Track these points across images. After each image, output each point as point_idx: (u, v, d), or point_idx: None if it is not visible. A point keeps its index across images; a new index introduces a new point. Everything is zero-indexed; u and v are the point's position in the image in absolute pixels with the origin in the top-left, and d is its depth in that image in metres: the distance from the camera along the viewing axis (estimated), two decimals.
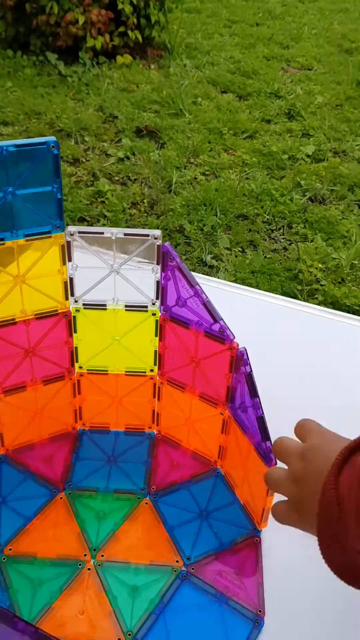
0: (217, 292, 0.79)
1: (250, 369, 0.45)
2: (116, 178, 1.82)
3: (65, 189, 1.69)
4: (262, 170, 1.94)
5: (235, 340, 0.46)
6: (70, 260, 0.46)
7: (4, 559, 0.46)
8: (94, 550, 0.47)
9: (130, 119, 2.20)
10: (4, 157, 0.39)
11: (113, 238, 0.44)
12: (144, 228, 1.53)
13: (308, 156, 2.05)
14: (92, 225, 1.57)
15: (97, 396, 0.56)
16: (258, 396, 0.44)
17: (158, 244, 0.45)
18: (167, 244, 0.45)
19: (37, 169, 0.41)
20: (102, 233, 0.44)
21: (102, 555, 0.47)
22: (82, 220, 1.62)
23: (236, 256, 1.48)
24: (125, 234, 0.44)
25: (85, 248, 0.45)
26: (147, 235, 0.44)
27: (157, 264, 0.46)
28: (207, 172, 1.89)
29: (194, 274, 0.82)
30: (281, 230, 1.63)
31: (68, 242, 0.45)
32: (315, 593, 0.45)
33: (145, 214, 1.63)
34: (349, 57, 3.11)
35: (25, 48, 2.90)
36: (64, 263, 0.46)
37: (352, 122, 2.35)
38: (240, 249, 1.55)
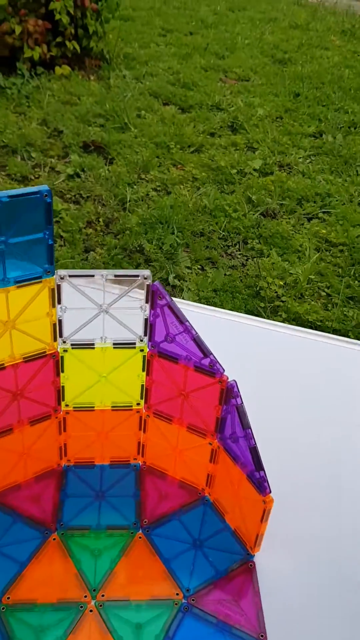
0: (185, 314, 0.81)
1: (241, 401, 0.46)
2: (68, 196, 1.81)
3: None
4: (212, 185, 1.97)
5: (225, 373, 0.47)
6: (59, 302, 0.46)
7: (3, 608, 0.46)
8: (94, 590, 0.47)
9: (76, 134, 2.19)
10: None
11: (103, 280, 0.45)
12: (102, 247, 1.53)
13: (255, 170, 2.10)
14: None
15: (83, 432, 0.56)
16: (250, 427, 0.46)
17: (148, 283, 0.45)
18: (156, 283, 0.45)
19: (29, 217, 0.41)
20: (93, 276, 0.45)
21: (103, 595, 0.47)
22: None
23: (197, 274, 1.51)
24: (116, 276, 0.45)
25: (74, 289, 0.46)
26: (137, 276, 0.45)
27: (147, 302, 0.47)
28: (158, 188, 1.91)
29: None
30: (237, 246, 1.67)
31: (58, 286, 0.45)
32: (313, 609, 0.47)
33: (102, 233, 1.63)
34: (282, 68, 3.21)
35: None
36: (54, 305, 0.46)
37: (293, 135, 2.42)
38: (200, 267, 1.58)
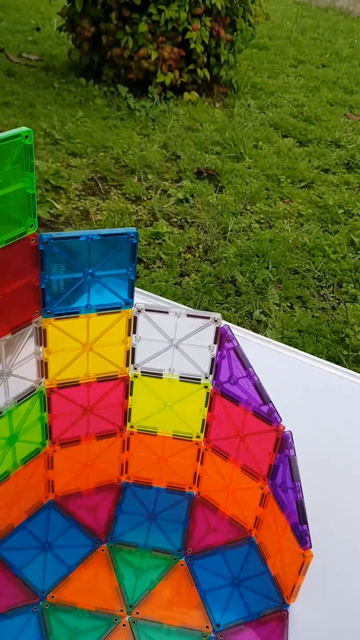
0: (263, 350, 0.82)
1: (294, 452, 0.47)
2: (174, 220, 1.87)
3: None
4: (316, 222, 1.96)
5: (282, 423, 0.48)
6: (134, 332, 0.49)
7: (46, 605, 0.49)
8: (130, 606, 0.50)
9: (192, 160, 2.27)
10: (88, 244, 0.43)
11: (176, 317, 0.48)
12: (196, 274, 1.57)
13: None
14: (148, 266, 1.61)
15: (144, 454, 0.59)
16: (299, 480, 0.47)
17: (217, 326, 0.48)
18: (225, 326, 0.48)
19: (116, 254, 0.44)
20: (167, 312, 0.48)
21: (137, 613, 0.50)
22: (139, 262, 1.68)
23: (284, 312, 1.51)
24: (188, 315, 0.48)
25: (149, 321, 0.49)
26: (208, 317, 0.48)
27: (215, 343, 0.49)
28: (262, 221, 1.93)
29: (241, 328, 0.85)
30: (331, 288, 1.65)
31: (135, 317, 0.48)
32: None
33: (199, 260, 1.68)
34: None
35: (98, 77, 3.02)
36: (129, 334, 0.49)
37: None
38: (289, 304, 1.58)
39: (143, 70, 3.02)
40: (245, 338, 0.82)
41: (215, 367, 0.50)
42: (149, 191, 2.02)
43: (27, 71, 3.12)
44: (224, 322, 0.48)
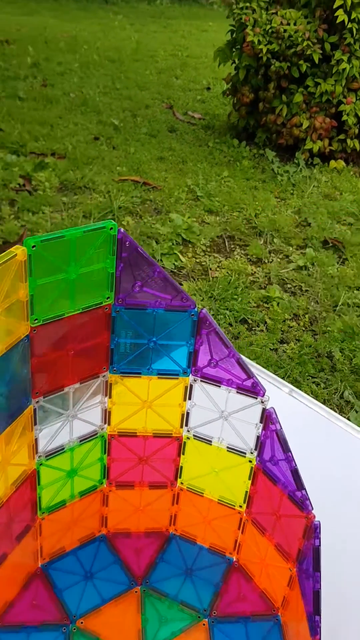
0: (342, 434, 0.81)
1: (319, 543, 0.48)
2: (288, 286, 1.89)
3: (240, 288, 1.81)
4: None
5: (312, 511, 0.49)
6: (190, 398, 0.53)
7: (74, 629, 0.54)
8: None
9: (322, 228, 2.28)
10: (153, 316, 0.48)
11: (228, 392, 0.51)
12: (296, 343, 1.57)
13: None
14: (251, 328, 1.65)
15: (192, 511, 0.61)
16: (319, 570, 0.47)
17: (264, 407, 0.50)
18: (271, 409, 0.50)
19: (179, 326, 0.49)
20: (219, 387, 0.51)
21: None
22: (243, 322, 1.71)
23: None
24: (238, 391, 0.51)
25: (202, 391, 0.53)
26: (256, 397, 0.50)
27: (260, 422, 0.51)
28: None
29: (324, 407, 0.85)
30: None
31: (191, 385, 0.52)
32: None
33: (303, 329, 1.67)
34: None
35: (250, 139, 3.15)
36: (185, 399, 0.53)
37: None
38: None
39: (293, 137, 3.11)
40: (324, 416, 0.82)
41: (259, 444, 0.53)
42: (271, 254, 2.06)
43: (188, 129, 3.35)
44: (270, 405, 0.51)
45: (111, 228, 0.43)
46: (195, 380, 0.52)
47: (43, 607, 0.55)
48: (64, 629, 0.53)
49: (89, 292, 0.46)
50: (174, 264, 1.88)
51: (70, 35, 5.38)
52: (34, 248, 0.40)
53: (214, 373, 0.51)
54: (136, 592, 0.58)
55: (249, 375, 0.49)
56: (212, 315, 1.63)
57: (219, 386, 0.51)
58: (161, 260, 1.87)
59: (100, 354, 0.50)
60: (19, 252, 0.40)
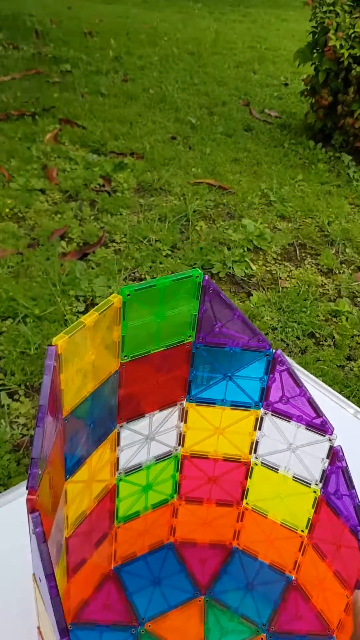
0: None
1: None
2: (358, 299, 1.87)
3: (309, 300, 1.80)
4: None
5: None
6: (260, 429, 0.56)
7: (142, 631, 0.58)
8: None
9: None
10: (231, 354, 0.52)
11: (296, 428, 0.54)
12: None
13: None
14: (319, 343, 1.64)
15: (255, 529, 0.65)
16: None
17: (331, 445, 0.53)
18: (338, 446, 0.52)
19: (253, 365, 0.52)
20: (289, 421, 0.54)
21: None
22: (311, 336, 1.70)
23: None
24: (307, 427, 0.53)
25: (273, 424, 0.56)
26: (324, 435, 0.53)
27: (327, 457, 0.54)
28: None
29: None
30: None
31: (261, 418, 0.56)
32: None
33: None
34: None
35: (326, 141, 3.10)
36: (255, 429, 0.57)
37: None
38: None
39: None
40: None
41: (325, 477, 0.55)
42: (343, 265, 2.04)
43: (263, 128, 3.33)
44: (338, 442, 0.53)
45: (197, 276, 0.47)
46: (266, 413, 0.55)
47: (114, 608, 0.60)
48: (133, 631, 0.58)
49: (173, 331, 0.49)
50: (244, 271, 1.90)
51: (151, 26, 5.43)
52: (129, 296, 0.44)
53: (284, 408, 0.54)
54: (200, 601, 0.62)
55: (319, 414, 0.52)
56: (280, 328, 1.64)
57: (289, 421, 0.54)
58: (232, 267, 1.89)
59: (179, 385, 0.54)
60: (115, 300, 0.44)
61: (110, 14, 5.78)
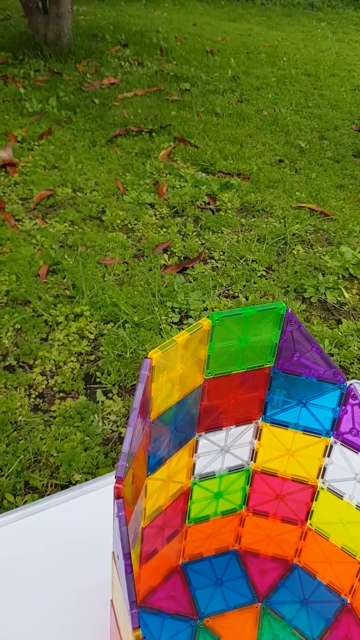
0: None
1: None
2: None
3: None
4: None
5: None
6: (329, 456, 0.59)
7: (200, 625, 0.63)
8: None
9: None
10: (307, 382, 0.55)
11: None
12: None
13: None
14: None
15: (316, 549, 0.67)
16: None
17: None
18: None
19: (327, 395, 0.55)
20: (357, 452, 0.56)
21: None
22: None
23: None
24: None
25: (341, 454, 0.58)
26: None
27: None
28: None
29: None
30: None
31: (331, 446, 0.58)
32: None
33: None
34: None
35: None
36: (324, 456, 0.59)
37: None
38: None
39: None
40: None
41: None
42: None
43: None
44: None
45: (281, 309, 0.51)
46: (335, 442, 0.58)
47: (178, 600, 0.65)
48: (193, 623, 0.63)
49: (255, 355, 0.54)
50: (336, 298, 1.89)
51: (272, 45, 5.47)
52: (217, 321, 0.49)
53: (354, 440, 0.57)
54: (257, 607, 0.65)
55: None
56: None
57: (357, 452, 0.57)
58: (325, 293, 1.89)
59: (256, 404, 0.58)
60: (205, 323, 0.49)
61: (233, 32, 5.88)
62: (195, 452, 0.59)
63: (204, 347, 0.51)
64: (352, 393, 0.54)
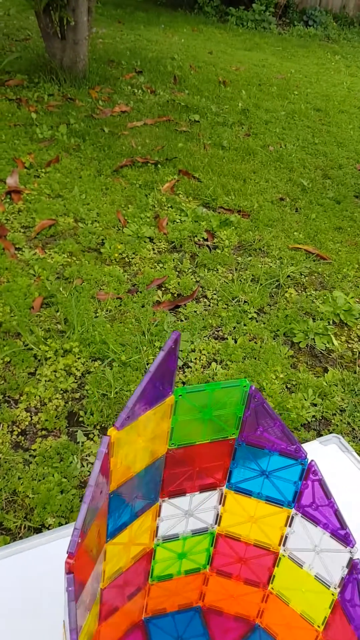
0: None
1: None
2: None
3: None
4: None
5: None
6: (290, 526, 0.60)
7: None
8: None
9: None
10: (269, 455, 0.56)
11: (322, 534, 0.57)
12: None
13: None
14: None
15: (278, 612, 0.68)
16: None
17: (350, 557, 0.55)
18: (357, 559, 0.55)
19: (289, 469, 0.57)
20: (317, 525, 0.57)
21: None
22: None
23: None
24: (331, 536, 0.57)
25: (302, 526, 0.59)
26: (346, 545, 0.56)
27: (347, 567, 0.56)
28: None
29: None
30: None
31: (292, 517, 0.59)
32: None
33: None
34: None
35: None
36: (286, 525, 0.60)
37: None
38: None
39: None
40: None
41: (343, 584, 0.57)
42: None
43: None
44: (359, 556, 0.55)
45: (244, 385, 0.53)
46: (296, 514, 0.59)
47: None
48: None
49: (219, 427, 0.55)
50: (325, 345, 1.91)
51: (284, 77, 5.54)
52: (181, 397, 0.51)
53: (313, 514, 0.58)
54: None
55: (343, 526, 0.55)
56: (349, 410, 1.62)
57: (316, 526, 0.58)
58: (314, 339, 1.90)
59: (221, 472, 0.59)
60: (168, 399, 0.51)
61: (248, 61, 5.96)
62: (159, 516, 0.60)
63: (167, 420, 0.52)
64: (313, 469, 0.55)
